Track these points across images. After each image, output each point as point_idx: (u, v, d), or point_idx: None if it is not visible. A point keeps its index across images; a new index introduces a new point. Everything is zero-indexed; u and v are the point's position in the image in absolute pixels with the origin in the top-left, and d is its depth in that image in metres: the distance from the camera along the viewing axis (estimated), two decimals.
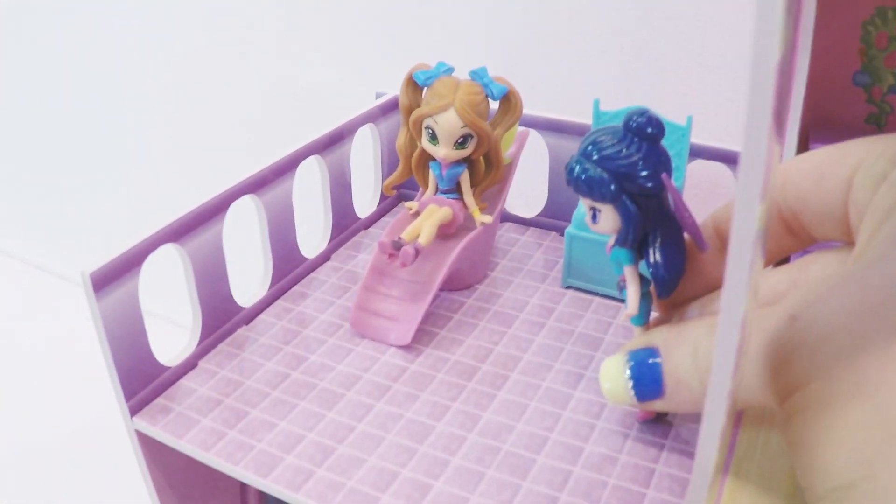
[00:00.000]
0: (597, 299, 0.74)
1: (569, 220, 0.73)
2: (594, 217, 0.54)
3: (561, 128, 0.80)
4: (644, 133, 0.51)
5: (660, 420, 0.60)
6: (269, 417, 0.61)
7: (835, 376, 0.37)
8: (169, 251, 0.63)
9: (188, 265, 0.65)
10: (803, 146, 0.65)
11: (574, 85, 0.96)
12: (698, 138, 0.73)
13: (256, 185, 0.70)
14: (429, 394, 0.63)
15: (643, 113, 0.51)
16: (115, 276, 0.58)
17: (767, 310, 0.43)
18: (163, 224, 0.62)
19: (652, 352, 0.52)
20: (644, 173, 0.51)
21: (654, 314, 0.58)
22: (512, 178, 0.77)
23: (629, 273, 0.55)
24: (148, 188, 1.50)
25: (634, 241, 0.53)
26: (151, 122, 1.44)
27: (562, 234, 0.82)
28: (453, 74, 0.69)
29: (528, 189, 0.88)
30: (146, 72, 1.39)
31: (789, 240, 0.52)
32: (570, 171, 0.53)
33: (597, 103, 0.72)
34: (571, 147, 0.76)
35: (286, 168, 0.73)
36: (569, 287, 0.75)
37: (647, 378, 0.52)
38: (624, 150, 0.51)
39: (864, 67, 0.65)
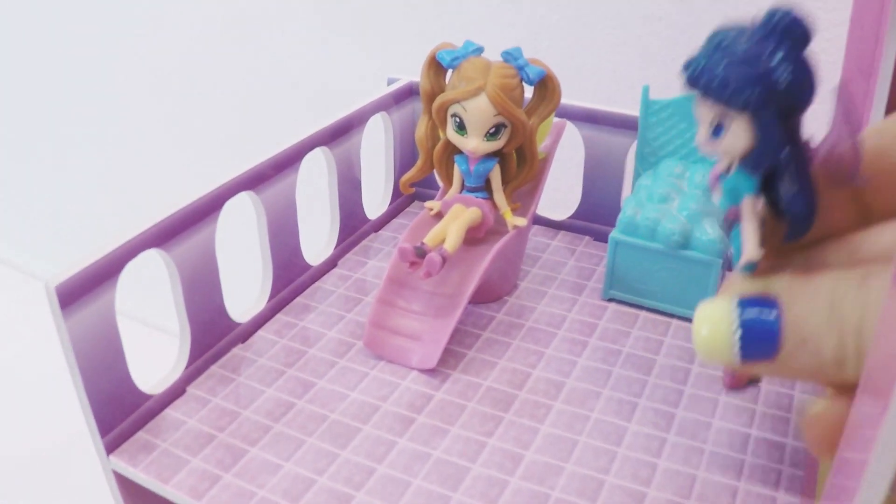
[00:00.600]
0: (643, 313, 0.66)
1: (605, 223, 0.66)
2: (717, 131, 0.42)
3: (598, 118, 0.72)
4: (795, 34, 0.39)
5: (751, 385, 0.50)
6: (272, 457, 0.52)
7: None
8: (152, 258, 0.54)
9: (175, 274, 0.56)
10: None
11: (605, 73, 0.88)
12: None
13: (254, 182, 0.61)
14: (460, 427, 0.55)
15: (789, 11, 0.40)
16: (86, 290, 0.50)
17: None
18: (144, 227, 0.53)
19: (770, 301, 0.43)
20: (798, 80, 0.39)
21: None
22: (547, 174, 0.68)
23: (749, 205, 0.44)
24: (136, 185, 1.42)
25: (768, 165, 0.42)
26: (140, 112, 1.38)
27: (596, 239, 0.76)
28: (483, 55, 0.61)
29: (558, 188, 0.79)
30: (133, 56, 1.32)
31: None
32: (697, 64, 0.41)
33: (646, 90, 0.65)
34: (608, 140, 0.69)
35: (288, 162, 0.64)
36: (610, 299, 0.68)
37: (760, 332, 0.43)
38: (771, 51, 0.39)
39: None
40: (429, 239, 0.61)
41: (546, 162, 0.68)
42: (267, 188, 0.63)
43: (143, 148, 1.40)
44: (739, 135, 0.41)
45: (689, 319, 0.64)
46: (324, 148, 0.69)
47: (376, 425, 0.55)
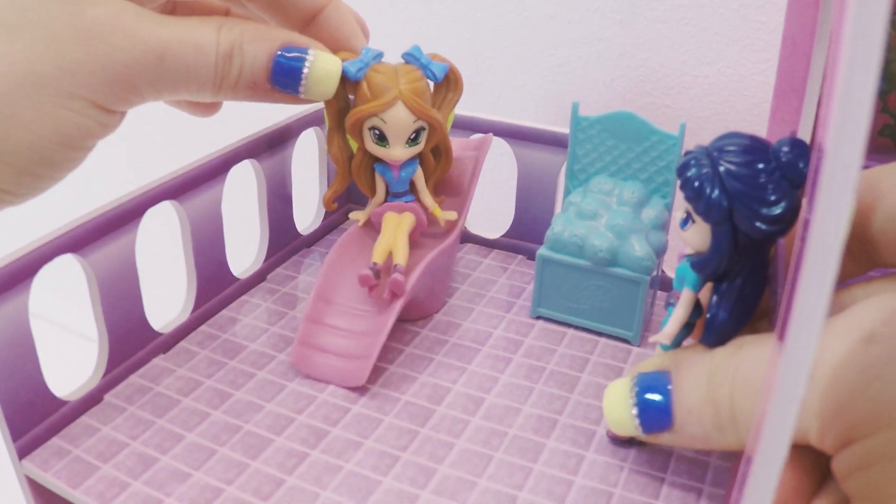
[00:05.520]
0: (570, 331, 0.66)
1: (539, 241, 0.65)
2: (685, 222, 0.46)
3: (531, 136, 0.72)
4: (794, 170, 0.41)
5: (631, 444, 0.54)
6: (183, 466, 0.52)
7: None
8: (69, 263, 0.54)
9: (92, 281, 0.56)
10: None
11: (548, 93, 0.88)
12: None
13: (178, 191, 0.61)
14: (374, 441, 0.54)
15: (798, 145, 0.42)
16: None
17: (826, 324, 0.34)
18: (59, 231, 0.53)
19: (662, 376, 0.46)
20: (768, 213, 0.41)
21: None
22: (474, 187, 0.67)
23: (686, 297, 0.48)
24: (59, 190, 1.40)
25: (712, 274, 0.45)
26: None
27: (530, 258, 0.75)
28: (384, 59, 0.59)
29: (492, 206, 0.79)
30: None
31: (849, 264, 0.45)
32: (685, 166, 0.44)
33: (576, 107, 0.64)
34: (542, 158, 0.69)
35: (214, 172, 0.64)
36: (538, 317, 0.67)
37: (654, 407, 0.46)
38: (761, 178, 0.42)
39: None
40: (377, 256, 0.61)
41: (473, 175, 0.68)
42: (191, 198, 0.62)
43: None
44: (698, 236, 0.45)
45: (616, 337, 0.64)
46: (252, 160, 0.68)
47: (290, 437, 0.54)
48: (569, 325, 0.66)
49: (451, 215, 0.64)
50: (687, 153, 0.45)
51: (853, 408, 0.32)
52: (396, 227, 0.62)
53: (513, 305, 0.69)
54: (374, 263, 0.60)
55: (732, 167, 0.42)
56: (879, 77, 0.56)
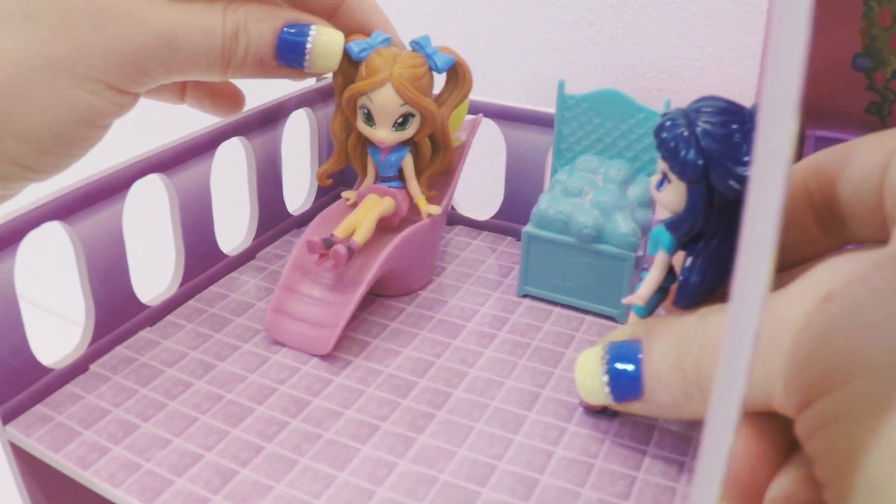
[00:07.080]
0: (557, 309, 0.66)
1: (527, 222, 0.65)
2: (661, 183, 0.47)
3: (521, 117, 0.72)
4: None
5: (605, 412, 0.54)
6: (163, 433, 0.52)
7: (891, 374, 0.30)
8: (55, 231, 0.54)
9: (79, 250, 0.56)
10: (797, 137, 0.58)
11: (540, 77, 0.88)
12: None
13: (166, 164, 0.61)
14: (354, 411, 0.54)
15: None
16: None
17: (786, 290, 0.35)
18: (47, 198, 0.53)
19: (633, 345, 0.46)
20: (742, 172, 0.42)
21: None
22: (462, 166, 0.68)
23: (660, 259, 0.49)
24: None
25: (686, 234, 0.46)
26: None
27: (519, 239, 0.74)
28: (392, 46, 0.60)
29: (482, 188, 0.79)
30: None
31: (822, 237, 0.45)
32: (661, 126, 0.45)
33: (562, 85, 0.64)
34: (532, 139, 0.69)
35: (203, 147, 0.64)
36: (525, 295, 0.67)
37: (624, 376, 0.46)
38: (735, 138, 0.43)
39: (865, 49, 0.59)
40: (340, 230, 0.61)
41: (461, 153, 0.68)
42: (178, 173, 0.62)
43: None
44: (673, 196, 0.46)
45: (603, 315, 0.64)
46: (242, 138, 0.68)
47: (271, 406, 0.54)
48: (555, 304, 0.66)
49: (435, 210, 0.64)
50: (664, 114, 0.46)
51: (811, 366, 0.32)
52: (370, 208, 0.62)
53: (500, 284, 0.69)
54: (332, 235, 0.61)
55: (708, 127, 0.43)
56: (865, 53, 0.56)
